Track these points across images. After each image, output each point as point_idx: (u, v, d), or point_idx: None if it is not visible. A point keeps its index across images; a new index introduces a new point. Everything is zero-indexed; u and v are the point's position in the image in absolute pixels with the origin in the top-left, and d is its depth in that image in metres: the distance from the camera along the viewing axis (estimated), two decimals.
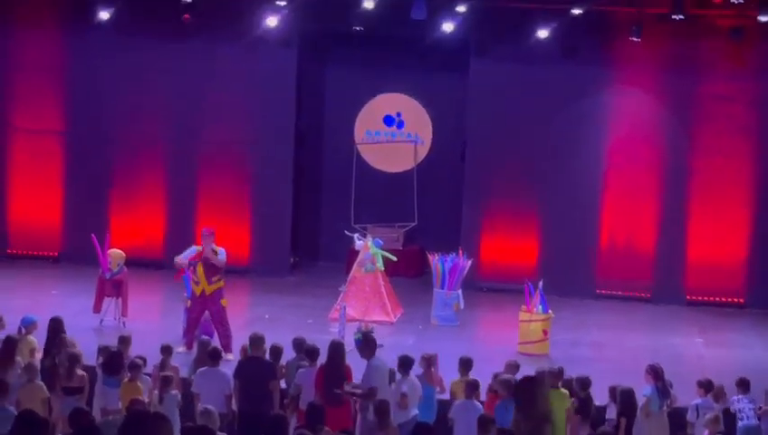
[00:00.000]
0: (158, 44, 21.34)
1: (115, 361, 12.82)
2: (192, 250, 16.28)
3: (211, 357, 13.03)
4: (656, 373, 13.06)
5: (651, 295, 20.85)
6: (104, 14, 20.55)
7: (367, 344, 12.76)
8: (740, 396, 13.40)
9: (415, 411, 12.45)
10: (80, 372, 12.73)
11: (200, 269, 15.95)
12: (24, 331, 14.03)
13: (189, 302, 16.10)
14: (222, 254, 16.03)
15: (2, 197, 21.93)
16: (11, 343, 13.21)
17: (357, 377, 12.71)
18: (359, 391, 12.40)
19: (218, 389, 12.60)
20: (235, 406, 12.73)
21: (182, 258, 16.30)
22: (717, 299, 20.73)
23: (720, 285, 20.73)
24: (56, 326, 13.89)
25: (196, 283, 16.02)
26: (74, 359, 12.77)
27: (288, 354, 13.76)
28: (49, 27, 21.63)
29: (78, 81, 21.68)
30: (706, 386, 13.44)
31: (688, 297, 20.79)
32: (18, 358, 13.14)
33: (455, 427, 12.33)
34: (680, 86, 20.71)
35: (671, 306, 20.46)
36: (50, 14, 21.56)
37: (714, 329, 19.28)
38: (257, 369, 12.82)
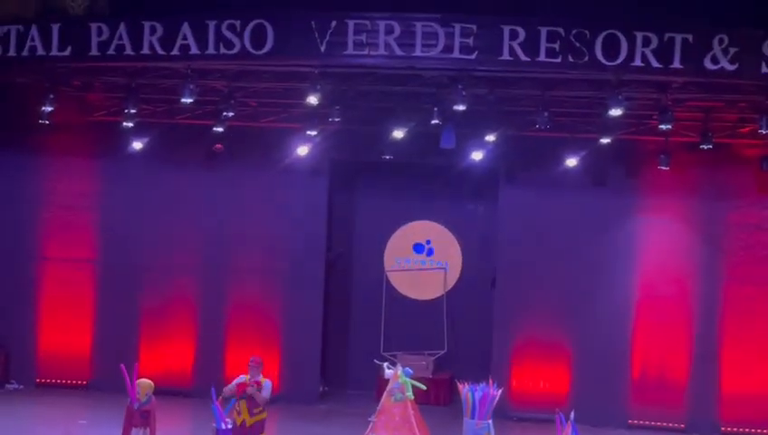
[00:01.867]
0: (190, 174, 21.58)
1: None
2: (241, 380, 16.03)
3: None
4: None
5: (685, 426, 20.54)
6: (137, 145, 20.75)
7: None
8: None
9: None
10: None
11: (242, 400, 15.76)
12: None
13: (217, 432, 15.89)
14: (267, 389, 15.75)
15: (32, 325, 21.96)
16: None
17: None
18: None
19: None
20: None
21: (231, 390, 15.75)
22: (753, 430, 20.39)
23: (756, 415, 20.37)
24: None
25: (238, 413, 15.83)
26: None
27: None
28: (81, 157, 21.85)
29: (109, 210, 21.87)
30: None
31: (723, 429, 20.46)
32: None
33: None
34: (710, 214, 20.71)
35: None
36: (82, 145, 21.80)
37: None
38: None
